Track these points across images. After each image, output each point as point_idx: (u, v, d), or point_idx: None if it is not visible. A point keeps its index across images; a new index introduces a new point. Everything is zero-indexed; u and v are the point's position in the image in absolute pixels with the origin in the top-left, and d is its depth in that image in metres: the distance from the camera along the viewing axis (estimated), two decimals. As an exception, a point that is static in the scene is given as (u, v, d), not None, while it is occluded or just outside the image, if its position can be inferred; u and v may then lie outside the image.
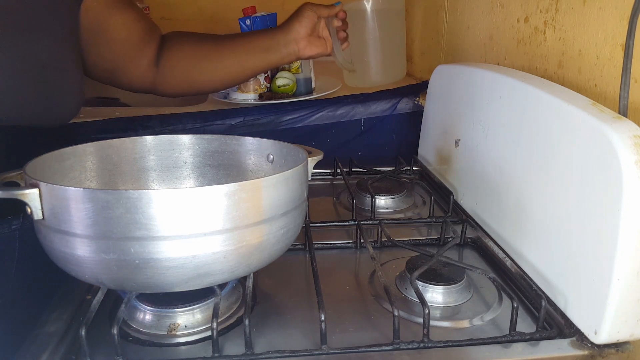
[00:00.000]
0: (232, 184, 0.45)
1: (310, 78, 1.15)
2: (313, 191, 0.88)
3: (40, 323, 0.51)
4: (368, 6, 0.95)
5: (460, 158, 0.81)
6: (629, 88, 0.53)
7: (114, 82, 0.81)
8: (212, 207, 0.45)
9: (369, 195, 0.78)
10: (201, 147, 0.66)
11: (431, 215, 0.76)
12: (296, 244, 0.68)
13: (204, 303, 0.52)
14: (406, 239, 0.71)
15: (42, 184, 0.45)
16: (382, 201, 0.81)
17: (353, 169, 0.96)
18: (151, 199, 0.43)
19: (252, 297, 0.52)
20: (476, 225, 0.73)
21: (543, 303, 0.52)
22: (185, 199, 0.44)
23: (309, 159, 0.56)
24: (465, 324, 0.54)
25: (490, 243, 0.68)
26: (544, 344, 0.50)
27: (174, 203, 0.44)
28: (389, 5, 0.98)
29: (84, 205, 0.43)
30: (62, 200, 0.44)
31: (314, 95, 1.11)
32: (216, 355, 0.47)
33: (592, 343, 0.49)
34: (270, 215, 0.49)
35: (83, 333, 0.46)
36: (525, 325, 0.53)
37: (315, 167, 0.57)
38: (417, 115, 1.04)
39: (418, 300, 0.51)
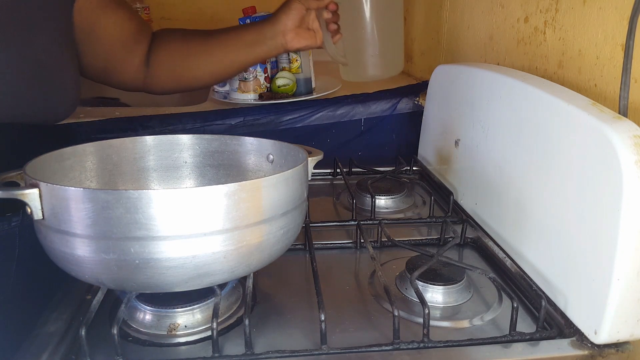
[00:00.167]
0: (232, 184, 0.45)
1: (310, 78, 1.15)
2: (313, 191, 0.88)
3: (40, 323, 0.51)
4: None
5: (460, 158, 0.81)
6: (629, 88, 0.53)
7: (107, 81, 0.81)
8: (212, 207, 0.45)
9: (369, 195, 0.78)
10: (201, 147, 0.66)
11: (431, 215, 0.76)
12: (296, 244, 0.68)
13: (204, 303, 0.52)
14: (406, 239, 0.71)
15: (42, 184, 0.45)
16: (382, 201, 0.81)
17: (353, 169, 0.96)
18: (151, 199, 0.43)
19: (252, 297, 0.52)
20: (476, 225, 0.73)
21: (543, 303, 0.52)
22: (185, 199, 0.44)
23: (309, 159, 0.56)
24: (465, 324, 0.54)
25: (490, 243, 0.68)
26: (544, 344, 0.50)
27: (174, 203, 0.44)
28: None
29: (84, 205, 0.43)
30: (62, 200, 0.44)
31: (314, 95, 1.11)
32: (216, 355, 0.47)
33: (592, 343, 0.49)
34: (270, 215, 0.49)
35: (83, 333, 0.46)
36: (525, 325, 0.53)
37: (315, 167, 0.57)
38: (417, 115, 1.04)
39: (418, 300, 0.51)
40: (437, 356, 0.48)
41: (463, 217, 0.75)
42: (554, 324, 0.53)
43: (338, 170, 0.94)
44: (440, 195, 0.84)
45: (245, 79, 1.08)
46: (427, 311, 0.49)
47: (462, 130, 0.80)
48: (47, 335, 0.50)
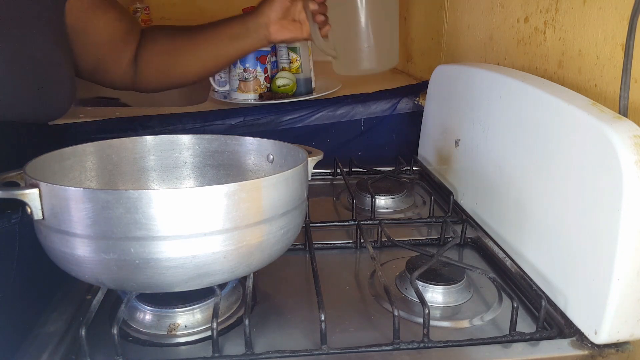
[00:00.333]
0: (232, 184, 0.45)
1: (310, 78, 1.15)
2: (313, 191, 0.88)
3: (40, 323, 0.51)
4: None
5: (460, 158, 0.81)
6: (629, 88, 0.53)
7: (97, 80, 0.81)
8: (212, 207, 0.45)
9: (369, 195, 0.78)
10: (201, 147, 0.66)
11: (431, 215, 0.76)
12: (296, 244, 0.68)
13: (204, 303, 0.52)
14: (406, 239, 0.71)
15: (42, 184, 0.45)
16: (382, 201, 0.81)
17: (353, 169, 0.96)
18: (151, 199, 0.43)
19: (252, 297, 0.52)
20: (476, 225, 0.73)
21: (543, 303, 0.52)
22: (185, 199, 0.44)
23: (309, 159, 0.56)
24: (465, 324, 0.54)
25: (490, 243, 0.68)
26: (544, 344, 0.50)
27: (174, 203, 0.44)
28: None
29: (84, 205, 0.43)
30: (62, 200, 0.44)
31: (314, 95, 1.11)
32: (216, 355, 0.47)
33: (592, 343, 0.49)
34: (270, 215, 0.49)
35: (83, 333, 0.46)
36: (525, 325, 0.53)
37: (315, 167, 0.57)
38: (417, 115, 1.04)
39: (418, 300, 0.51)
40: (437, 356, 0.48)
41: (463, 217, 0.75)
42: (554, 324, 0.53)
43: (338, 170, 0.94)
44: (440, 195, 0.84)
45: (246, 79, 1.08)
46: (427, 311, 0.49)
47: (462, 130, 0.80)
48: (47, 335, 0.50)
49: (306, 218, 0.70)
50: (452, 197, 0.78)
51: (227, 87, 1.12)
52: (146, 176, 0.65)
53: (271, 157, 0.63)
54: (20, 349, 0.48)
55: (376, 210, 0.76)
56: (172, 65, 0.82)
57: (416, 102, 1.08)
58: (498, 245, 0.67)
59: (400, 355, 0.48)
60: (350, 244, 0.70)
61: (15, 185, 0.49)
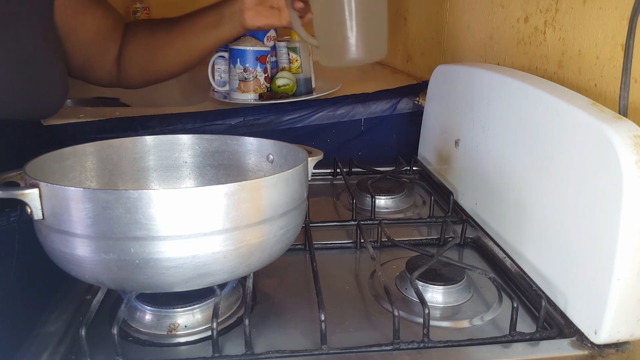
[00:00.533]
0: (232, 184, 0.45)
1: (310, 78, 1.16)
2: (313, 191, 0.88)
3: (40, 323, 0.51)
4: None
5: (460, 158, 0.81)
6: (629, 88, 0.53)
7: (84, 78, 0.81)
8: (212, 207, 0.45)
9: (369, 195, 0.78)
10: (201, 147, 0.66)
11: (431, 215, 0.76)
12: (296, 244, 0.68)
13: (204, 303, 0.52)
14: (406, 239, 0.71)
15: (42, 184, 0.45)
16: (382, 201, 0.81)
17: (353, 169, 0.96)
18: (151, 199, 0.43)
19: (252, 297, 0.52)
20: (476, 225, 0.73)
21: (543, 303, 0.52)
22: (185, 199, 0.44)
23: (309, 159, 0.56)
24: (465, 324, 0.54)
25: (490, 243, 0.68)
26: (544, 344, 0.50)
27: (174, 203, 0.44)
28: None
29: (84, 205, 0.43)
30: (62, 200, 0.44)
31: (314, 95, 1.11)
32: (216, 355, 0.47)
33: (592, 343, 0.49)
34: (270, 215, 0.49)
35: (83, 333, 0.46)
36: (525, 325, 0.53)
37: (315, 167, 0.57)
38: (417, 115, 1.04)
39: (418, 300, 0.51)
40: (437, 356, 0.48)
41: (463, 217, 0.75)
42: (554, 324, 0.53)
43: (338, 170, 0.94)
44: (440, 195, 0.84)
45: (246, 79, 1.08)
46: (427, 311, 0.49)
47: (462, 130, 0.80)
48: (47, 335, 0.50)
49: (306, 218, 0.70)
50: (452, 197, 0.78)
51: (227, 87, 1.12)
52: (146, 176, 0.65)
53: (271, 157, 0.63)
54: (20, 349, 0.48)
55: (376, 210, 0.76)
56: (153, 60, 0.82)
57: (416, 102, 1.08)
58: (498, 245, 0.67)
59: (400, 355, 0.48)
60: (350, 244, 0.70)
61: (15, 185, 0.49)
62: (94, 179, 0.61)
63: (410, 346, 0.49)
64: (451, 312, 0.56)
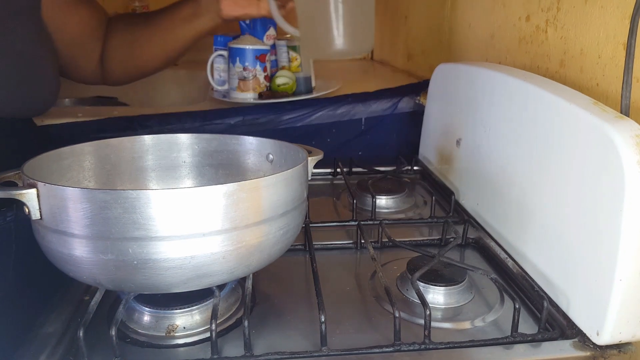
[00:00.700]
0: (231, 183, 0.45)
1: (310, 77, 1.15)
2: (313, 191, 0.88)
3: (38, 324, 0.51)
4: None
5: (462, 158, 0.81)
6: (631, 87, 0.53)
7: (69, 76, 0.81)
8: (211, 207, 0.44)
9: (369, 195, 0.78)
10: (200, 146, 0.65)
11: (432, 215, 0.76)
12: (296, 245, 0.67)
13: (203, 304, 0.52)
14: (407, 239, 0.70)
15: (39, 184, 0.45)
16: (382, 201, 0.81)
17: (353, 169, 0.96)
18: (150, 199, 0.43)
19: (251, 298, 0.52)
20: (478, 226, 0.72)
21: (545, 304, 0.51)
22: (184, 199, 0.44)
23: (309, 158, 0.55)
24: (466, 325, 0.54)
25: (492, 243, 0.68)
26: (546, 345, 0.49)
27: (172, 203, 0.43)
28: None
29: (82, 205, 0.43)
30: (60, 200, 0.44)
31: (314, 95, 1.11)
32: (215, 356, 0.47)
33: (594, 344, 0.49)
34: (270, 216, 0.48)
35: (81, 334, 0.46)
36: (527, 326, 0.53)
37: (315, 167, 0.57)
38: (418, 114, 1.04)
39: (419, 302, 0.51)
40: (438, 358, 0.48)
41: (464, 218, 0.74)
42: (556, 325, 0.53)
43: (338, 170, 0.93)
44: (441, 195, 0.84)
45: (245, 77, 1.07)
46: (428, 312, 0.49)
47: (464, 129, 0.80)
48: (45, 336, 0.49)
49: (306, 218, 0.69)
50: (453, 197, 0.77)
51: (226, 86, 1.12)
52: (145, 176, 0.65)
53: (271, 156, 0.63)
54: (18, 350, 0.47)
55: (377, 210, 0.76)
56: (134, 55, 0.82)
57: (417, 101, 1.08)
58: (500, 246, 0.66)
59: (401, 356, 0.48)
60: (350, 245, 0.70)
61: (13, 185, 0.48)
62: (92, 179, 0.61)
63: (411, 348, 0.48)
64: (452, 313, 0.55)
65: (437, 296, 0.56)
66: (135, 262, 0.44)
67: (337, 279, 0.62)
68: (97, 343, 0.49)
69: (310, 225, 0.70)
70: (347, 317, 0.54)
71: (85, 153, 0.60)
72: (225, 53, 1.09)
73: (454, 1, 1.06)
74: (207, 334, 0.49)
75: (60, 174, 0.56)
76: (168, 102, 1.30)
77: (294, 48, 1.13)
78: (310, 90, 1.14)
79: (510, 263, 0.63)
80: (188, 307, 0.51)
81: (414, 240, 0.71)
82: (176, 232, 0.44)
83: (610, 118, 0.49)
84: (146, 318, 0.52)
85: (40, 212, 0.45)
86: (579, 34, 0.66)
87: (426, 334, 0.49)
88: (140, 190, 0.43)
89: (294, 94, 1.11)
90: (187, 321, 0.51)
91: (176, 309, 0.51)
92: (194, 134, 0.66)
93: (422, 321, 0.49)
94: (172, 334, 0.50)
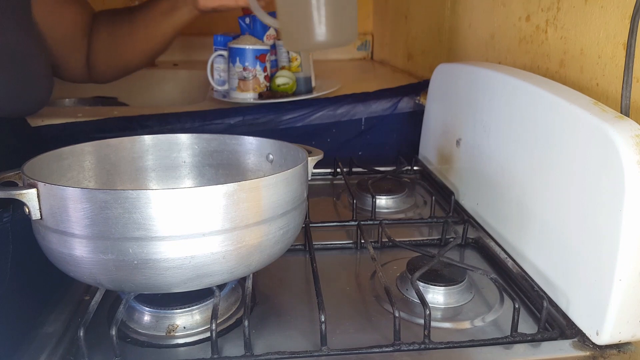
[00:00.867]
0: (231, 183, 0.45)
1: (310, 77, 1.15)
2: (313, 191, 0.88)
3: (38, 324, 0.51)
4: None
5: (462, 158, 0.81)
6: (631, 87, 0.53)
7: (59, 75, 0.81)
8: (211, 207, 0.44)
9: (369, 195, 0.78)
10: (200, 146, 0.65)
11: (432, 215, 0.76)
12: (296, 245, 0.67)
13: (203, 304, 0.52)
14: (407, 239, 0.70)
15: (40, 184, 0.45)
16: (382, 201, 0.81)
17: (353, 169, 0.96)
18: (150, 199, 0.43)
19: (251, 298, 0.52)
20: (477, 226, 0.72)
21: (545, 304, 0.51)
22: (184, 199, 0.44)
23: (309, 158, 0.55)
24: (466, 325, 0.54)
25: (492, 243, 0.68)
26: (545, 345, 0.49)
27: (172, 203, 0.43)
28: None
29: (82, 205, 0.43)
30: (60, 200, 0.44)
31: (314, 95, 1.11)
32: (215, 356, 0.47)
33: (593, 344, 0.49)
34: (270, 216, 0.48)
35: (81, 334, 0.46)
36: (526, 326, 0.53)
37: (315, 167, 0.57)
38: (418, 114, 1.04)
39: (419, 301, 0.51)
40: (438, 357, 0.48)
41: (464, 218, 0.74)
42: (555, 324, 0.53)
43: (338, 170, 0.93)
44: (441, 195, 0.84)
45: (245, 77, 1.07)
46: (428, 312, 0.49)
47: (464, 129, 0.80)
48: (45, 336, 0.49)
49: (306, 218, 0.69)
50: (453, 197, 0.77)
51: (226, 86, 1.12)
52: (145, 176, 0.65)
53: (271, 156, 0.63)
54: (18, 350, 0.47)
55: (377, 210, 0.76)
56: (117, 51, 0.82)
57: (417, 101, 1.08)
58: (499, 246, 0.66)
59: (401, 356, 0.48)
60: (350, 245, 0.70)
61: (13, 185, 0.48)
62: (92, 179, 0.61)
63: (411, 347, 0.48)
64: (452, 313, 0.55)
65: (436, 296, 0.56)
66: (136, 262, 0.44)
67: (337, 279, 0.62)
68: (97, 343, 0.49)
69: (310, 225, 0.70)
70: (347, 317, 0.54)
71: (85, 153, 0.60)
72: (225, 53, 1.09)
73: (454, 1, 1.06)
74: (208, 334, 0.49)
75: (60, 174, 0.56)
76: (168, 102, 1.30)
77: (294, 48, 1.13)
78: (310, 90, 1.14)
79: (510, 263, 0.63)
80: (188, 307, 0.51)
81: (413, 240, 0.71)
82: (176, 232, 0.44)
83: (610, 118, 0.49)
84: (146, 318, 0.52)
85: (40, 212, 0.45)
86: (579, 34, 0.66)
87: (426, 333, 0.49)
88: (140, 190, 0.43)
89: (294, 94, 1.11)
90: (187, 321, 0.51)
91: (176, 309, 0.51)
92: (194, 134, 0.66)
93: (421, 321, 0.49)
94: (172, 333, 0.51)
